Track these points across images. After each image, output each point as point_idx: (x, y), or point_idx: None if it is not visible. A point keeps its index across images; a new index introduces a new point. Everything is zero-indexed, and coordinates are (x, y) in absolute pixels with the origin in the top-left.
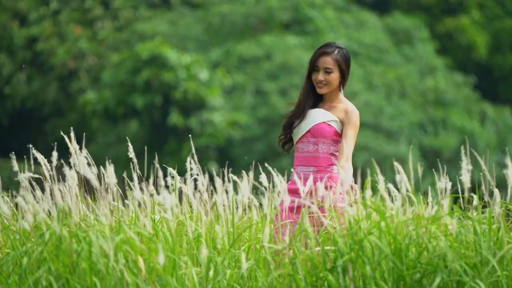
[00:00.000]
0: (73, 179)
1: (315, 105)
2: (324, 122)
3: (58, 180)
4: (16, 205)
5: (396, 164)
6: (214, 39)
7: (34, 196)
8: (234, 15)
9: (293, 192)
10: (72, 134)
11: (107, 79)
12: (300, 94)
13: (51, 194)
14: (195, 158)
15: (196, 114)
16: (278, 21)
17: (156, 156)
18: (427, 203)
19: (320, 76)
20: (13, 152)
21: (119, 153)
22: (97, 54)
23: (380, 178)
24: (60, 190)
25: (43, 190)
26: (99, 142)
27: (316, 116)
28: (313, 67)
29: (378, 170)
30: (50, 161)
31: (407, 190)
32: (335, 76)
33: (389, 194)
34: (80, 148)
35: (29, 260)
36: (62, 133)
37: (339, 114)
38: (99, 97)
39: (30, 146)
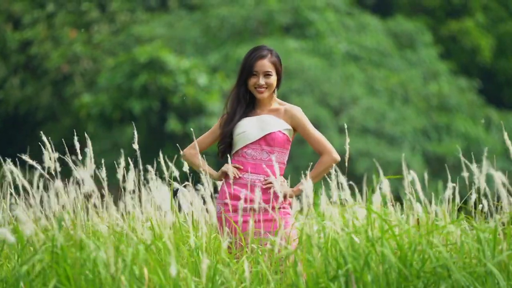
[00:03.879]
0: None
1: (249, 110)
2: (279, 130)
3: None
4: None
5: (411, 172)
6: (212, 42)
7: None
8: (233, 18)
9: (237, 198)
10: (79, 139)
11: (103, 82)
12: (230, 101)
13: (41, 201)
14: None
15: (195, 120)
16: (278, 24)
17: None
18: (430, 211)
19: (261, 80)
20: (9, 159)
21: (116, 159)
22: (93, 58)
23: (385, 183)
24: (58, 196)
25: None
26: (95, 147)
27: (271, 125)
28: (250, 72)
29: (381, 175)
30: (43, 167)
31: (410, 198)
32: (274, 78)
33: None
34: (81, 152)
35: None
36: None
37: (287, 120)
38: (95, 100)
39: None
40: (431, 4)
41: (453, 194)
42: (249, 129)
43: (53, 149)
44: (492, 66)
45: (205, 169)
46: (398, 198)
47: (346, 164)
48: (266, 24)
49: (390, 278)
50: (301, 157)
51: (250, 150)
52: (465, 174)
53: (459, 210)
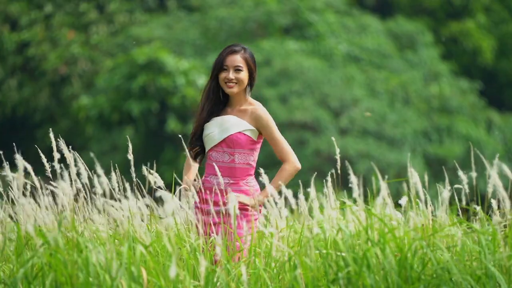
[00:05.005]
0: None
1: (219, 108)
2: (239, 132)
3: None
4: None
5: (413, 173)
6: (211, 43)
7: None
8: (232, 19)
9: (205, 202)
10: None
11: (102, 84)
12: (202, 98)
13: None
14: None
15: (194, 121)
16: (278, 25)
17: (155, 164)
18: (431, 213)
19: (231, 75)
20: (7, 162)
21: (114, 161)
22: (90, 59)
23: (383, 185)
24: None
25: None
26: (93, 150)
27: (231, 126)
28: (221, 67)
29: (380, 178)
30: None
31: (410, 200)
32: (244, 74)
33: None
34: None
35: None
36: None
37: (251, 121)
38: (93, 102)
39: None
40: (432, 5)
41: (452, 195)
42: (212, 131)
43: (56, 149)
44: (493, 68)
45: (185, 184)
46: (398, 199)
47: (338, 167)
48: (266, 26)
49: (390, 281)
50: (300, 159)
51: (214, 152)
52: (474, 174)
53: (460, 212)
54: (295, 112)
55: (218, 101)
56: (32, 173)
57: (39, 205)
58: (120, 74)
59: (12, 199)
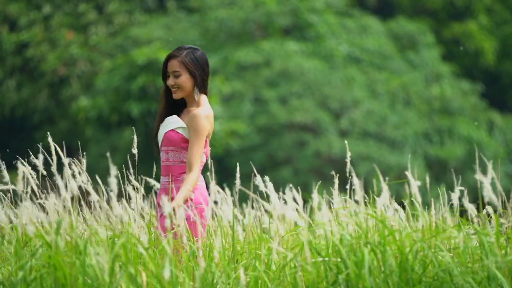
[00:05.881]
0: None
1: (174, 111)
2: (172, 129)
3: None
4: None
5: (413, 179)
6: (211, 45)
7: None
8: (231, 20)
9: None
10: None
11: (101, 85)
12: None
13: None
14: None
15: None
16: (278, 26)
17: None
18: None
19: (170, 81)
20: (3, 162)
21: (114, 163)
22: (90, 60)
23: (384, 187)
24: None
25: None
26: (92, 151)
27: (168, 124)
28: (165, 73)
29: (381, 179)
30: (36, 171)
31: (412, 202)
32: (184, 78)
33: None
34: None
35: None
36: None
37: (185, 121)
38: (92, 103)
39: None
40: (434, 6)
41: (452, 198)
42: (161, 131)
43: (56, 151)
44: (495, 69)
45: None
46: (400, 202)
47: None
48: (265, 27)
49: (391, 283)
50: (301, 161)
51: (161, 152)
52: (478, 176)
53: (462, 215)
54: (295, 114)
55: (170, 105)
56: (31, 180)
57: (38, 208)
58: (120, 75)
59: (12, 201)
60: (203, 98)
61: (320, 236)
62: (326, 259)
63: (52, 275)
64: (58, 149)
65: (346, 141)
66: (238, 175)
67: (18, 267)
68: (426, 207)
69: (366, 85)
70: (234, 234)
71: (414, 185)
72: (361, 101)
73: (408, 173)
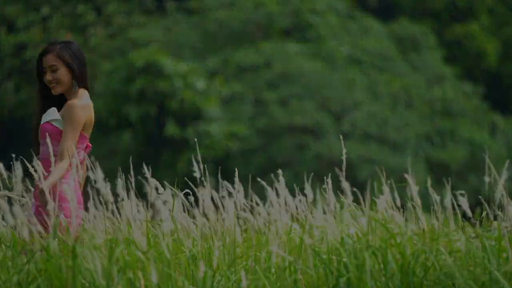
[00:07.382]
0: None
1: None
2: (47, 122)
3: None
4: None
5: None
6: (210, 46)
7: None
8: (231, 22)
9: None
10: None
11: (99, 88)
12: None
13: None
14: (200, 166)
15: (193, 125)
16: (278, 27)
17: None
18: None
19: (48, 76)
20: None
21: (112, 166)
22: (88, 62)
23: (386, 190)
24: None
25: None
26: (92, 153)
27: (44, 116)
28: (41, 70)
29: (383, 182)
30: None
31: (413, 205)
32: (62, 72)
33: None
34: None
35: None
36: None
37: (62, 111)
38: None
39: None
40: (436, 7)
41: (455, 201)
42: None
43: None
44: (497, 71)
45: None
46: (401, 205)
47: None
48: (266, 28)
49: (392, 286)
50: (301, 163)
51: (40, 145)
52: (487, 179)
53: (464, 218)
54: (296, 116)
55: (46, 102)
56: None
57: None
58: (118, 78)
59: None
60: (83, 91)
61: (321, 239)
62: (326, 258)
63: (48, 279)
64: None
65: (341, 136)
66: (236, 179)
67: (14, 271)
68: (432, 208)
69: (367, 87)
70: (235, 237)
71: (414, 188)
72: (362, 103)
73: (408, 176)
